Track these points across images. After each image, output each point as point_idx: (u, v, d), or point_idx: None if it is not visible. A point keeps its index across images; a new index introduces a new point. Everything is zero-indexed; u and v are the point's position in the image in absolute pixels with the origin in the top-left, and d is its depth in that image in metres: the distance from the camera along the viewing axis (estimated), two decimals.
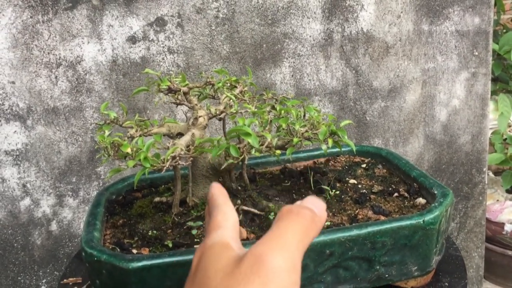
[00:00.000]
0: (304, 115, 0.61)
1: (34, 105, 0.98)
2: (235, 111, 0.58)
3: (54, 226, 1.04)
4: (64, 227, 1.04)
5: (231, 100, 0.59)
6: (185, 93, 0.60)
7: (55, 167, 1.01)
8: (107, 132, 0.55)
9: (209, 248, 0.33)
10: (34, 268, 1.04)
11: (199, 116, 0.59)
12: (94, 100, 1.00)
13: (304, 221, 0.33)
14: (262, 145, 0.54)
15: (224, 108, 0.59)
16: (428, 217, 0.56)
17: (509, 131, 1.66)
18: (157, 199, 0.62)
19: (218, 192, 0.40)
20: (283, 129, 0.58)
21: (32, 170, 1.00)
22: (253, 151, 0.53)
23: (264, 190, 0.66)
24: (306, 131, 0.57)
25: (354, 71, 1.13)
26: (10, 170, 0.99)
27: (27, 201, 1.01)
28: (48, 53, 0.97)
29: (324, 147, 0.57)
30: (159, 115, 1.04)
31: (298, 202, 0.36)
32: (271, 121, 0.58)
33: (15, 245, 1.02)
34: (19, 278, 1.03)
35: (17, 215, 1.01)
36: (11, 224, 1.01)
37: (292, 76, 1.10)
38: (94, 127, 1.02)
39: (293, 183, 0.70)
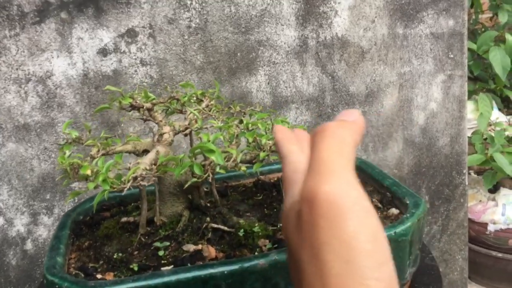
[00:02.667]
0: (272, 128, 0.59)
1: (4, 122, 0.95)
2: (199, 127, 0.56)
3: (29, 245, 1.01)
4: (39, 245, 1.02)
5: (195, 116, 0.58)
6: (149, 109, 0.58)
7: (28, 184, 0.99)
8: (67, 153, 0.53)
9: (286, 217, 0.34)
10: None
11: (164, 133, 0.58)
12: (66, 115, 0.98)
13: (344, 132, 0.32)
14: (228, 161, 0.52)
15: (189, 123, 0.58)
16: (400, 228, 0.55)
17: (489, 130, 1.66)
18: (124, 219, 0.60)
19: (281, 138, 0.38)
20: (250, 143, 0.56)
21: (4, 188, 0.97)
22: (217, 168, 0.51)
23: (235, 205, 0.65)
24: (274, 144, 0.56)
25: (330, 77, 1.13)
26: None
27: (0, 221, 0.98)
28: (17, 68, 0.94)
29: None
30: (133, 128, 1.03)
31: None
32: (237, 135, 0.56)
33: None
34: None
35: None
36: None
37: (268, 83, 1.09)
38: (66, 143, 0.99)
39: (266, 196, 0.69)
